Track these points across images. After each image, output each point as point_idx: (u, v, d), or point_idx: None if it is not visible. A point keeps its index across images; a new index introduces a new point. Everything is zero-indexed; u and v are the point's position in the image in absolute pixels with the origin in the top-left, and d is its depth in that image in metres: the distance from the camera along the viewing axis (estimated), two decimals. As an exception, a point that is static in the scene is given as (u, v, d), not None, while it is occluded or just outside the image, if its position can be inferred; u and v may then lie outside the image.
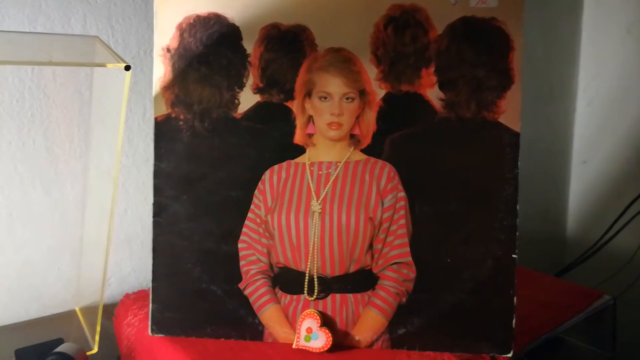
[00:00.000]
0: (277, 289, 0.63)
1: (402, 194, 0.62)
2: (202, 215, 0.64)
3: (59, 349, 0.64)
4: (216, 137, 0.64)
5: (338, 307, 0.62)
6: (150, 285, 0.65)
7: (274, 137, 0.64)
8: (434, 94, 0.63)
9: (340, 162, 0.63)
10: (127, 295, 0.74)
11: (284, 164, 0.64)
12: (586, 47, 1.33)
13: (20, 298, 0.74)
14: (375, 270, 0.62)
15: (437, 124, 0.63)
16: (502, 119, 0.62)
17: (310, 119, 0.63)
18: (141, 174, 0.81)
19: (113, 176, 0.61)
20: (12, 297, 0.74)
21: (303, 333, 0.61)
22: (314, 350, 0.61)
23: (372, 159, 0.63)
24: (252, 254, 0.64)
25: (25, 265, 0.73)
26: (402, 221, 0.62)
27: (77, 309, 0.77)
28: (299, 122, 0.64)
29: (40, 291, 0.75)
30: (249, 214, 0.64)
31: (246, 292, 0.63)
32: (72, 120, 0.72)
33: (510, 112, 0.62)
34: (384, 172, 0.62)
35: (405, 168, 0.62)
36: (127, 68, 0.54)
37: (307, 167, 0.63)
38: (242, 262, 0.64)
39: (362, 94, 0.63)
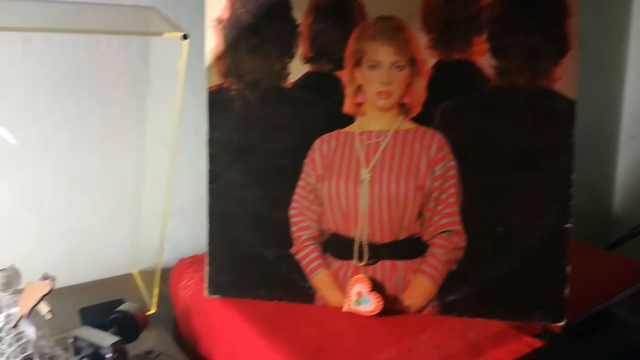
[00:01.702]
0: (327, 255, 0.65)
1: (452, 162, 0.62)
2: (254, 182, 0.66)
3: (122, 307, 0.68)
4: (267, 107, 0.66)
5: (387, 273, 0.63)
6: (202, 251, 0.68)
7: (323, 107, 0.65)
8: (486, 62, 0.62)
9: (389, 131, 0.63)
10: (181, 260, 0.77)
11: (334, 133, 0.65)
12: (638, 18, 1.26)
13: (81, 261, 0.78)
14: (425, 238, 0.63)
15: (489, 92, 0.62)
16: (557, 87, 0.61)
17: (359, 88, 0.64)
18: (191, 145, 0.83)
19: (171, 144, 0.63)
20: (75, 260, 0.78)
21: (353, 297, 0.63)
22: (364, 314, 0.62)
23: (422, 128, 0.63)
24: (303, 220, 0.65)
25: (86, 230, 0.77)
26: (453, 190, 0.62)
27: (134, 272, 0.82)
28: (348, 91, 0.64)
29: (99, 255, 0.79)
30: (300, 182, 0.65)
31: (297, 257, 0.65)
32: (128, 90, 0.75)
33: (566, 79, 0.61)
34: (434, 141, 0.62)
35: (456, 137, 0.62)
36: (185, 37, 0.56)
37: (357, 136, 0.64)
38: (293, 228, 0.65)
39: (412, 62, 0.62)
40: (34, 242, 0.74)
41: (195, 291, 0.71)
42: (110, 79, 0.74)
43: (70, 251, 0.77)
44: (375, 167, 0.63)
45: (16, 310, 0.63)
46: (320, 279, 0.65)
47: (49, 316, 0.59)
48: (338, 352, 0.55)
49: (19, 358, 0.63)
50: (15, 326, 0.61)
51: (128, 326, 0.66)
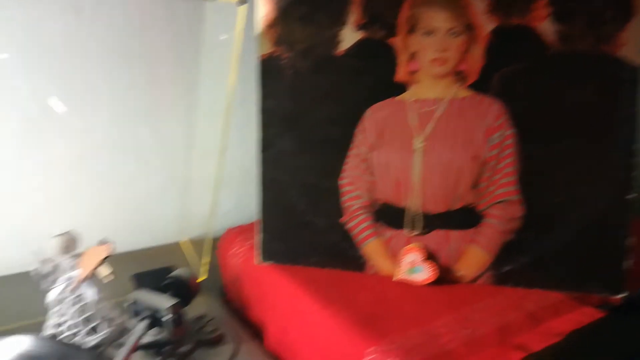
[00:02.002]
0: (378, 224, 0.65)
1: (510, 131, 0.61)
2: (305, 151, 0.66)
3: (175, 273, 0.69)
4: (318, 75, 0.65)
5: (440, 243, 0.63)
6: (247, 221, 0.69)
7: (375, 75, 0.64)
8: (546, 27, 0.59)
9: (444, 99, 0.62)
10: (229, 230, 0.79)
11: (385, 101, 0.64)
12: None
13: (132, 229, 0.80)
14: (480, 208, 0.62)
15: (550, 59, 0.60)
16: (621, 53, 0.58)
17: (413, 55, 0.62)
18: (238, 115, 0.83)
19: (225, 110, 0.63)
20: (126, 227, 0.80)
21: (406, 266, 0.63)
22: (416, 283, 0.62)
23: (479, 95, 0.61)
24: (354, 190, 0.65)
25: (136, 199, 0.79)
26: (510, 159, 0.61)
27: (181, 241, 0.83)
28: (402, 58, 0.63)
29: (149, 223, 0.81)
30: (352, 151, 0.65)
31: (348, 226, 0.65)
32: (179, 59, 0.75)
33: (630, 45, 0.58)
34: (492, 109, 0.61)
35: (514, 104, 0.61)
36: (243, 2, 0.55)
37: (410, 104, 0.63)
38: (344, 198, 0.65)
39: (469, 28, 0.61)
40: (88, 209, 0.76)
41: (245, 259, 0.72)
42: (161, 48, 0.74)
43: (122, 219, 0.79)
44: (429, 135, 0.63)
45: (76, 273, 0.65)
46: (371, 248, 0.65)
47: (108, 279, 0.61)
48: (394, 318, 0.55)
49: (80, 319, 0.65)
50: (76, 289, 0.63)
51: (181, 291, 0.67)
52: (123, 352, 0.55)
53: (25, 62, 0.69)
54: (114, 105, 0.75)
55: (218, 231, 0.83)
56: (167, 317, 0.61)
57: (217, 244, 0.78)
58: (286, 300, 0.63)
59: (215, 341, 0.65)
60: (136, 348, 0.57)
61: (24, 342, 0.57)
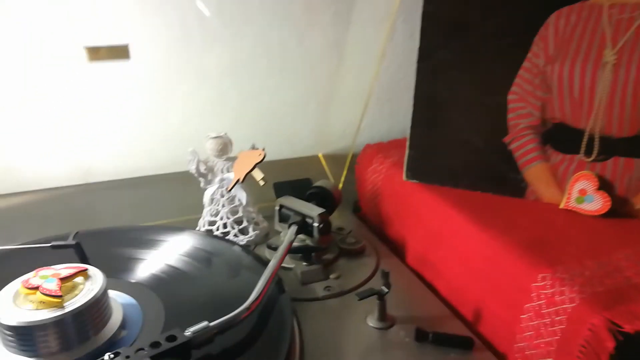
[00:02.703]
0: (547, 147, 0.59)
1: None
2: (468, 63, 0.60)
3: (319, 183, 0.70)
4: (490, -24, 0.58)
5: (620, 172, 0.56)
6: (387, 138, 0.66)
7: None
8: None
9: (649, 4, 0.53)
10: (368, 146, 0.77)
11: (575, 5, 0.55)
12: None
13: (273, 139, 0.81)
14: (677, 134, 0.54)
15: None
16: None
17: (613, -50, 0.53)
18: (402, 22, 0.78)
19: (387, 19, 0.59)
20: (267, 137, 0.81)
21: (575, 194, 0.57)
22: (585, 213, 0.57)
23: (698, -1, 0.51)
24: (523, 106, 0.59)
25: (280, 110, 0.79)
26: None
27: (319, 154, 0.83)
28: (598, -46, 0.53)
29: (289, 134, 0.81)
30: (525, 63, 0.58)
31: (511, 147, 0.60)
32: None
33: None
34: None
35: None
36: None
37: (605, 9, 0.54)
38: (510, 115, 0.60)
39: None
40: (234, 116, 0.78)
41: (387, 175, 0.70)
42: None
43: (264, 128, 0.80)
44: (623, 47, 0.54)
45: (230, 176, 0.67)
46: (535, 172, 0.60)
47: (262, 183, 0.63)
48: (564, 246, 0.51)
49: (231, 219, 0.69)
50: (230, 190, 0.66)
51: (326, 201, 0.68)
52: (279, 253, 0.57)
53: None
54: (264, 12, 0.73)
55: (356, 147, 0.81)
56: (316, 223, 0.62)
57: (356, 160, 0.77)
58: (434, 220, 0.61)
59: (358, 252, 0.66)
60: (288, 251, 0.59)
61: (186, 236, 0.62)
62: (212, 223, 0.68)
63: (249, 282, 0.49)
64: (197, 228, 0.68)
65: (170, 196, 0.75)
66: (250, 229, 0.68)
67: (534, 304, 0.47)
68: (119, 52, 0.69)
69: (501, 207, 0.59)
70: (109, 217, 0.68)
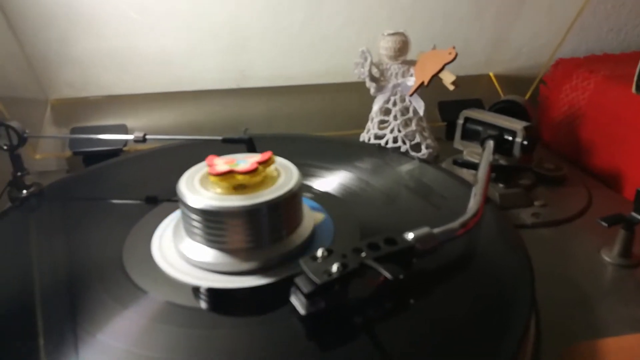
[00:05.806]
0: None
1: None
2: None
3: (508, 97, 0.58)
4: None
5: None
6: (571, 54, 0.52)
7: None
8: None
9: None
10: (561, 60, 0.64)
11: None
12: None
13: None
14: None
15: None
16: None
17: None
18: None
19: None
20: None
21: None
22: None
23: None
24: None
25: (449, 25, 0.67)
26: None
27: (490, 73, 0.72)
28: None
29: (459, 48, 0.69)
30: None
31: None
32: None
33: None
34: None
35: None
36: None
37: None
38: None
39: None
40: (404, 18, 0.67)
41: (596, 92, 0.57)
42: None
43: (434, 34, 0.69)
44: None
45: (407, 81, 0.58)
46: None
47: (451, 88, 0.52)
48: None
49: (402, 133, 0.60)
50: (412, 94, 0.56)
51: (517, 115, 0.56)
52: (482, 166, 0.47)
53: None
54: None
55: (532, 68, 0.68)
56: (519, 139, 0.51)
57: (550, 76, 0.64)
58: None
59: (559, 179, 0.54)
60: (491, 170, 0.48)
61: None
62: (379, 137, 0.59)
63: (448, 203, 0.42)
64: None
65: (323, 107, 0.67)
66: (423, 147, 0.58)
67: None
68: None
69: None
70: (264, 124, 0.61)
